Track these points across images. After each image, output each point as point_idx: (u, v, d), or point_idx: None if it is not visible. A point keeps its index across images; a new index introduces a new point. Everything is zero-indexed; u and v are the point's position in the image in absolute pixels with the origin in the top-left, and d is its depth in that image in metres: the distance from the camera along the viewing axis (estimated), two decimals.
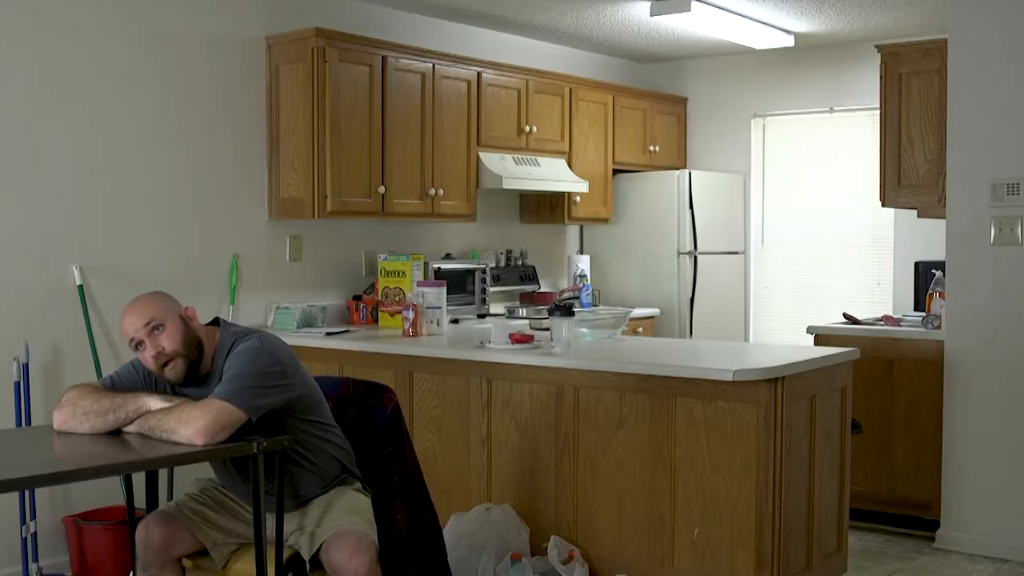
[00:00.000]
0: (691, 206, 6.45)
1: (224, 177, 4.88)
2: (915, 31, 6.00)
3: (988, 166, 4.57)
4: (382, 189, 5.09)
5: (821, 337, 4.98)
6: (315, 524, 2.92)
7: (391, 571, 3.12)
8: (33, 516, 4.08)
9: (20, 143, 4.19)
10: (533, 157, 5.93)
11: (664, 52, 6.95)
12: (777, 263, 6.98)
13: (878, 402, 4.87)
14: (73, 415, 2.83)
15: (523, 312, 5.85)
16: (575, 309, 4.56)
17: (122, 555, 3.99)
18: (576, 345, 4.18)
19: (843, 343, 4.63)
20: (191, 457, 2.77)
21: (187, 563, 2.99)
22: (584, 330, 4.59)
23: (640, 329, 6.10)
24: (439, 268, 5.53)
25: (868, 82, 5.69)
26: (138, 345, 2.88)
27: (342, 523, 2.87)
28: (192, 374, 2.90)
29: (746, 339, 6.97)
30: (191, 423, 2.68)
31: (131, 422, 2.80)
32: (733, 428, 3.62)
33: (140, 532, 2.92)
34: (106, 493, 4.29)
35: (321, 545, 2.86)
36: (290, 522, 2.93)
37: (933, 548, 4.67)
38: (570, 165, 6.19)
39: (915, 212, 5.65)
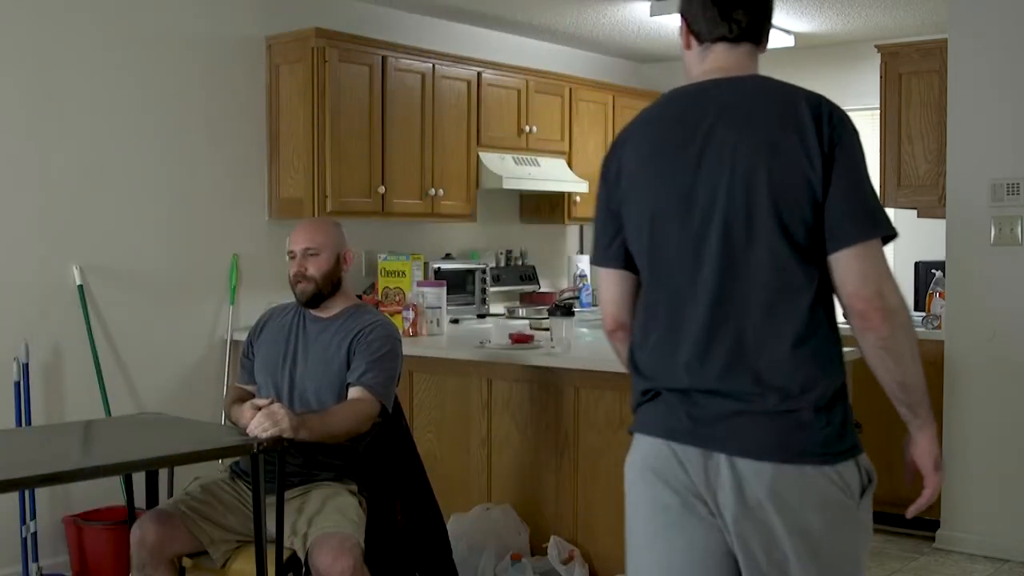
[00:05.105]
0: None
1: (224, 177, 4.88)
2: (915, 31, 6.00)
3: (988, 166, 4.57)
4: (382, 189, 5.09)
5: None
6: (307, 525, 2.92)
7: (390, 572, 3.12)
8: (33, 516, 4.08)
9: (20, 143, 4.19)
10: (533, 157, 5.93)
11: (664, 52, 6.94)
12: None
13: (878, 402, 4.85)
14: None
15: (523, 312, 5.85)
16: (575, 309, 4.57)
17: (122, 555, 3.97)
18: (576, 345, 4.18)
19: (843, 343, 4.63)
20: (191, 457, 2.78)
21: (187, 562, 2.99)
22: (584, 330, 4.59)
23: None
24: (439, 268, 5.53)
25: (868, 82, 5.69)
26: (290, 256, 3.21)
27: (327, 526, 2.88)
28: (315, 303, 3.20)
29: None
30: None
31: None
32: None
33: (135, 531, 2.92)
34: (106, 493, 4.29)
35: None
36: (287, 518, 2.92)
37: (933, 548, 4.67)
38: (570, 165, 6.19)
39: (915, 212, 5.65)
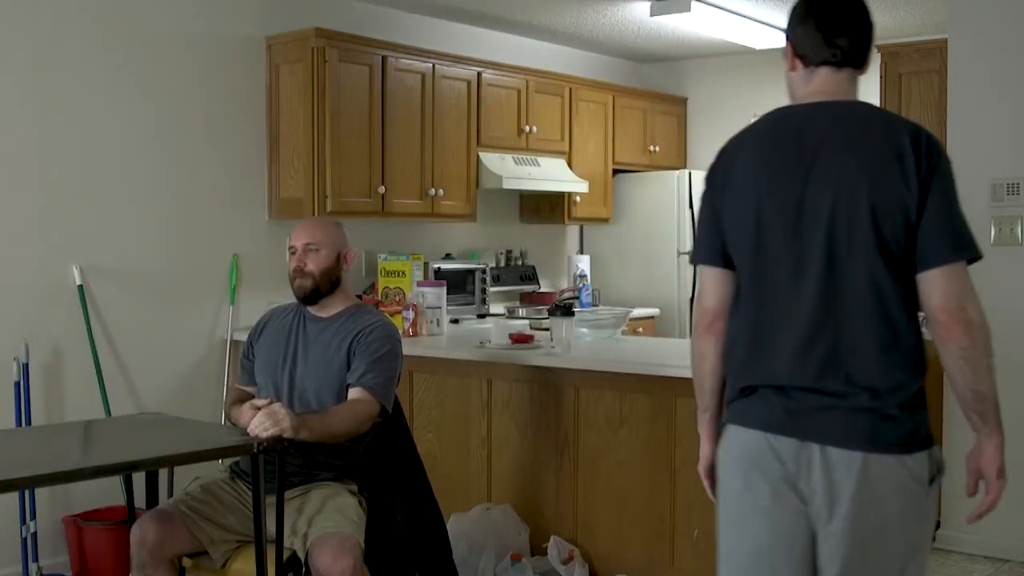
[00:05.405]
0: (691, 206, 6.45)
1: (224, 177, 4.88)
2: (915, 31, 6.00)
3: (988, 166, 4.57)
4: (382, 189, 5.09)
5: None
6: (307, 525, 2.92)
7: (390, 572, 3.12)
8: (33, 516, 4.08)
9: (20, 143, 4.19)
10: (533, 157, 5.94)
11: (664, 52, 6.95)
12: None
13: None
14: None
15: (523, 312, 5.85)
16: (575, 309, 4.57)
17: (122, 555, 3.96)
18: (576, 345, 4.18)
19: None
20: (191, 457, 2.77)
21: (187, 562, 2.99)
22: (584, 330, 4.59)
23: (640, 329, 6.10)
24: (439, 268, 5.53)
25: (868, 82, 5.70)
26: (291, 252, 3.19)
27: (327, 526, 2.88)
28: (313, 300, 3.18)
29: None
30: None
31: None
32: None
33: (135, 531, 2.92)
34: (106, 493, 4.29)
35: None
36: (287, 518, 2.92)
37: (933, 548, 4.66)
38: (570, 165, 6.19)
39: None
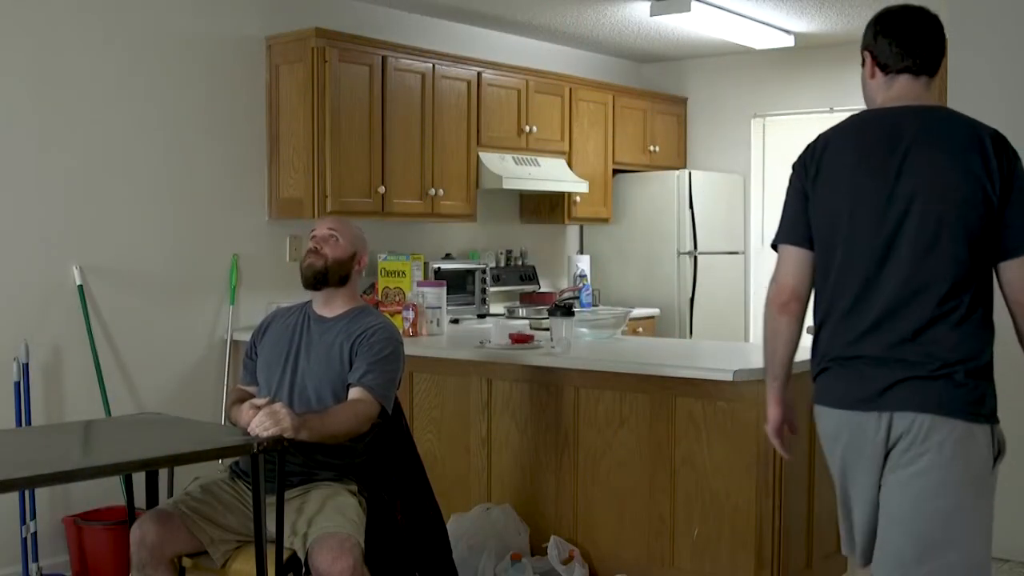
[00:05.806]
0: (691, 206, 6.45)
1: (224, 177, 4.88)
2: None
3: None
4: (382, 189, 5.09)
5: None
6: (307, 525, 2.92)
7: (390, 572, 3.12)
8: (33, 516, 4.08)
9: (21, 143, 4.19)
10: (533, 157, 5.94)
11: (664, 52, 6.95)
12: None
13: None
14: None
15: (523, 312, 5.85)
16: (575, 309, 4.57)
17: (122, 555, 3.97)
18: (576, 345, 4.18)
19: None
20: (191, 457, 2.77)
21: (187, 562, 2.99)
22: (584, 330, 4.59)
23: (640, 329, 6.10)
24: (439, 268, 5.53)
25: None
26: (311, 237, 3.26)
27: (327, 526, 2.88)
28: (318, 284, 3.21)
29: (746, 339, 6.97)
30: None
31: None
32: (733, 428, 3.61)
33: (135, 531, 2.92)
34: (106, 493, 4.29)
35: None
36: (287, 518, 2.92)
37: None
38: (570, 165, 6.19)
39: None
